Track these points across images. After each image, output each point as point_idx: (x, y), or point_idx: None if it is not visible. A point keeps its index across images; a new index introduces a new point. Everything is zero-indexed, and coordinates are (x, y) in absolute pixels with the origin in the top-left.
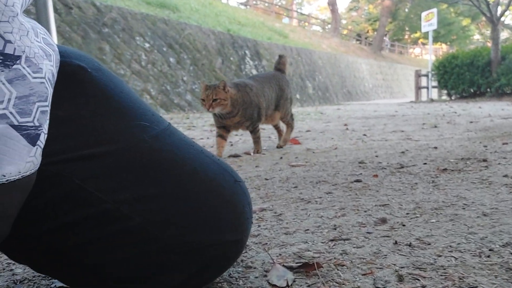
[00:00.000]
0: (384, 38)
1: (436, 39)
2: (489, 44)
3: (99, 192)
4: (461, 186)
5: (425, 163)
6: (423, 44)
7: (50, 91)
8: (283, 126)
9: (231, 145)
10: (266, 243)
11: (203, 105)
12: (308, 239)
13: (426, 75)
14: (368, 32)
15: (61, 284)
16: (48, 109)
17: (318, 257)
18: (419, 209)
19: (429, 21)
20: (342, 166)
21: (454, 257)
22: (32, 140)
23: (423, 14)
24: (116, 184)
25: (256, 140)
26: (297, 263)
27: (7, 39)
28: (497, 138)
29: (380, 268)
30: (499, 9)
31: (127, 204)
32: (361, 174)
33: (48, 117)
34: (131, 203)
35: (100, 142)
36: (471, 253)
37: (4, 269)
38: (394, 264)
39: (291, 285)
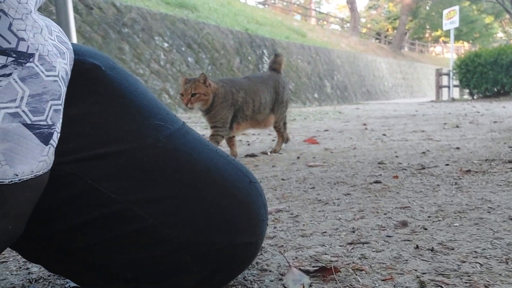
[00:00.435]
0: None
1: (458, 37)
2: None
3: (112, 192)
4: (485, 189)
5: (447, 164)
6: (445, 42)
7: (64, 89)
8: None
9: (248, 144)
10: (282, 246)
11: (182, 101)
12: (325, 242)
13: (448, 74)
14: (387, 30)
15: (75, 284)
16: (61, 107)
17: (336, 261)
18: (442, 212)
19: (450, 18)
20: (361, 166)
21: (479, 264)
22: (45, 139)
23: (445, 12)
24: (129, 184)
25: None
26: (313, 267)
27: (20, 36)
28: None
29: (400, 274)
30: None
31: (139, 204)
32: (380, 175)
33: (61, 116)
34: (143, 203)
35: (113, 141)
36: (497, 260)
37: (20, 267)
38: (416, 270)
39: None
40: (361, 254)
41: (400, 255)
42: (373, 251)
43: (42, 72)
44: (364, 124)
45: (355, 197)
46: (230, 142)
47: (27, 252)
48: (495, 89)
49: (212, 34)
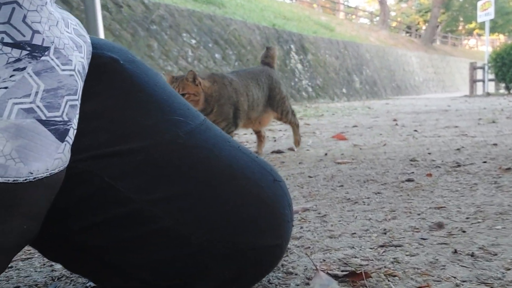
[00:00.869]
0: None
1: (493, 30)
2: None
3: (129, 191)
4: None
5: (484, 162)
6: (479, 35)
7: (80, 84)
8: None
9: (274, 140)
10: (309, 247)
11: None
12: (355, 244)
13: (482, 68)
14: (418, 23)
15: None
16: (78, 103)
17: (366, 265)
18: (481, 213)
19: (485, 10)
20: (392, 164)
21: None
22: (61, 135)
23: (479, 3)
24: (147, 182)
25: None
26: (342, 271)
27: (35, 29)
28: None
29: (438, 281)
30: None
31: (158, 204)
32: (413, 172)
33: (77, 112)
34: (162, 203)
35: (131, 137)
36: None
37: (44, 264)
38: (455, 277)
39: None
40: (394, 258)
41: (437, 260)
42: (406, 255)
43: (58, 66)
44: (394, 120)
45: (386, 196)
46: (258, 139)
47: (44, 251)
48: None
49: (238, 30)
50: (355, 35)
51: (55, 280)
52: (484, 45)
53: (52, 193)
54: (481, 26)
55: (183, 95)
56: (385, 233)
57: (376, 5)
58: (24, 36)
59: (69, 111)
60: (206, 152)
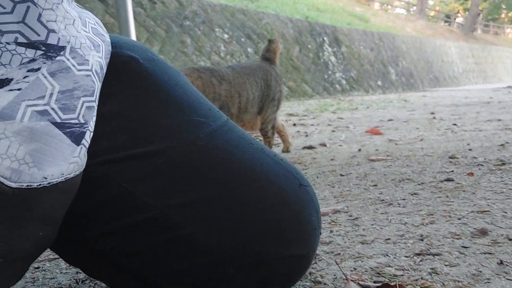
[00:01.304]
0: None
1: None
2: None
3: (147, 197)
4: None
5: None
6: None
7: (98, 85)
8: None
9: (306, 135)
10: (339, 253)
11: None
12: (389, 251)
13: None
14: (458, 12)
15: None
16: (95, 104)
17: (401, 275)
18: None
19: None
20: (430, 161)
21: None
22: (76, 138)
23: None
24: (166, 188)
25: None
26: (375, 282)
27: (50, 28)
28: None
29: None
30: None
31: (177, 210)
32: (452, 171)
33: (94, 114)
34: (182, 209)
35: (150, 140)
36: None
37: (70, 266)
38: None
39: None
40: (431, 269)
41: (480, 271)
42: (445, 265)
43: (74, 66)
44: (432, 113)
45: (423, 197)
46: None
47: (62, 254)
48: None
49: (271, 24)
50: (391, 26)
51: (79, 283)
52: None
53: (68, 198)
54: None
55: None
56: (422, 240)
57: None
58: (39, 35)
59: (86, 113)
60: (228, 155)
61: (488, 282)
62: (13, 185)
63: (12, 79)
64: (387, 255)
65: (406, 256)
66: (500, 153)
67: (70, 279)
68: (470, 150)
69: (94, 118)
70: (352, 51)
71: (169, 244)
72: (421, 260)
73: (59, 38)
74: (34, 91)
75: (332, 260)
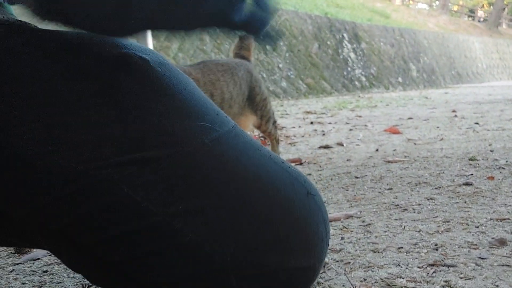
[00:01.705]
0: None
1: None
2: None
3: (149, 203)
4: None
5: None
6: None
7: None
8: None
9: (323, 134)
10: (349, 262)
11: None
12: (401, 260)
13: None
14: (483, 7)
15: None
16: None
17: (413, 287)
18: None
19: None
20: (448, 163)
21: None
22: None
23: None
24: (169, 194)
25: None
26: None
27: None
28: None
29: None
30: None
31: (179, 217)
32: (471, 174)
33: None
34: (184, 216)
35: (154, 145)
36: None
37: None
38: None
39: None
40: (445, 281)
41: (497, 286)
42: (460, 278)
43: None
44: (453, 111)
45: (439, 202)
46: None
47: (66, 261)
48: None
49: (290, 20)
50: (412, 21)
51: (85, 287)
52: None
53: None
54: None
55: None
56: (436, 249)
57: None
58: None
59: None
60: (233, 161)
61: None
62: None
63: None
64: (399, 265)
65: (418, 267)
66: None
67: (77, 284)
68: (491, 151)
69: None
70: (372, 47)
71: (171, 252)
72: (434, 272)
73: None
74: None
75: (341, 270)
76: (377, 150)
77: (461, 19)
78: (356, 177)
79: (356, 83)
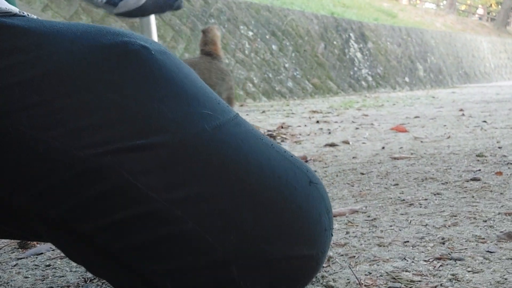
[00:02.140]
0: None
1: None
2: None
3: (149, 188)
4: None
5: None
6: None
7: None
8: None
9: (329, 133)
10: (354, 256)
11: None
12: (407, 254)
13: None
14: (491, 6)
15: None
16: None
17: (419, 281)
18: None
19: None
20: (456, 159)
21: None
22: None
23: None
24: (169, 180)
25: None
26: (390, 287)
27: None
28: None
29: None
30: None
31: (179, 204)
32: (479, 170)
33: None
34: (184, 203)
35: (155, 131)
36: None
37: (79, 265)
38: None
39: None
40: (452, 275)
41: (505, 279)
42: (468, 271)
43: None
44: (461, 110)
45: (446, 197)
46: None
47: (67, 252)
48: None
49: (296, 20)
50: (419, 21)
51: (87, 281)
52: None
53: None
54: None
55: None
56: (443, 243)
57: None
58: None
59: None
60: (234, 149)
61: None
62: None
63: None
64: (405, 258)
65: (425, 261)
66: None
67: (79, 278)
68: (499, 148)
69: None
70: (379, 47)
71: (171, 240)
72: (441, 265)
73: None
74: None
75: (346, 263)
76: (383, 147)
77: (468, 19)
78: (362, 174)
79: (363, 83)
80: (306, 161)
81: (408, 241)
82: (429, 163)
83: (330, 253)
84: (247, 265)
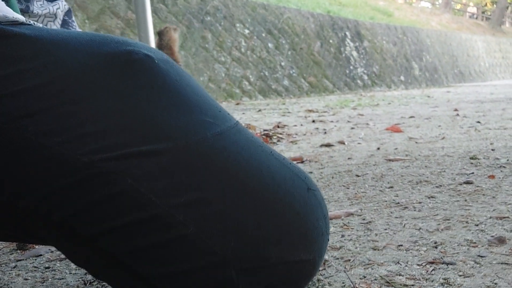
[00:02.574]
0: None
1: None
2: None
3: (152, 194)
4: None
5: None
6: None
7: None
8: None
9: (325, 132)
10: (349, 260)
11: None
12: (400, 258)
13: None
14: (486, 5)
15: None
16: None
17: (412, 285)
18: None
19: None
20: (450, 162)
21: None
22: None
23: None
24: (171, 185)
25: None
26: None
27: None
28: None
29: None
30: None
31: (181, 209)
32: (472, 173)
33: None
34: (185, 208)
35: (159, 137)
36: None
37: (78, 267)
38: None
39: None
40: (444, 279)
41: (495, 283)
42: (459, 275)
43: None
44: (455, 110)
45: (440, 201)
46: None
47: (68, 255)
48: None
49: (292, 18)
50: (415, 20)
51: (87, 284)
52: None
53: None
54: None
55: None
56: (436, 247)
57: None
58: None
59: None
60: (234, 156)
61: None
62: None
63: None
64: (399, 262)
65: (418, 265)
66: None
67: (78, 280)
68: (493, 150)
69: None
70: (375, 45)
71: (172, 243)
72: (433, 269)
73: None
74: None
75: (341, 267)
76: (378, 148)
77: (463, 18)
78: (357, 176)
79: (358, 81)
80: (302, 162)
81: (402, 245)
82: (423, 165)
83: (325, 256)
84: (246, 268)
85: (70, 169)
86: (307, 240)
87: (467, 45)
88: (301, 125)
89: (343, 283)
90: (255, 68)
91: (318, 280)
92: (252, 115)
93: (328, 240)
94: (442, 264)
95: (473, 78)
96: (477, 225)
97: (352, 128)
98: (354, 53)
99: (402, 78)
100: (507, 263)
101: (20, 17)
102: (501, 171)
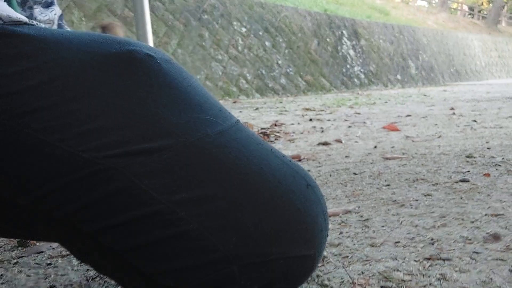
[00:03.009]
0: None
1: None
2: None
3: (153, 190)
4: None
5: None
6: None
7: None
8: None
9: (322, 131)
10: (347, 256)
11: None
12: (398, 254)
13: None
14: (482, 4)
15: None
16: None
17: (409, 280)
18: None
19: None
20: (446, 160)
21: None
22: None
23: None
24: (173, 182)
25: None
26: (382, 287)
27: None
28: None
29: None
30: None
31: (183, 205)
32: (468, 171)
33: None
34: (187, 204)
35: (160, 135)
36: None
37: (81, 263)
38: None
39: None
40: (441, 274)
41: (490, 279)
42: (455, 271)
43: None
44: (452, 109)
45: (436, 198)
46: None
47: (72, 250)
48: None
49: (289, 17)
50: (412, 18)
51: (89, 280)
52: None
53: None
54: None
55: None
56: (432, 244)
57: None
58: None
59: None
60: (235, 153)
61: None
62: None
63: None
64: (396, 258)
65: (415, 261)
66: None
67: (81, 276)
68: (488, 148)
69: None
70: (372, 44)
71: (174, 239)
72: (430, 265)
73: None
74: None
75: (340, 263)
76: (375, 147)
77: (460, 17)
78: (355, 174)
79: (355, 80)
80: (300, 160)
81: (399, 242)
82: (420, 163)
83: (324, 253)
84: (248, 264)
85: (72, 166)
86: (307, 235)
87: (463, 44)
88: (298, 123)
89: (341, 279)
90: (252, 66)
91: (318, 275)
92: (249, 113)
93: (327, 236)
94: (439, 260)
95: (469, 77)
96: (472, 222)
97: (349, 126)
98: (351, 52)
99: (398, 77)
100: (502, 259)
101: (23, 18)
102: (497, 169)
